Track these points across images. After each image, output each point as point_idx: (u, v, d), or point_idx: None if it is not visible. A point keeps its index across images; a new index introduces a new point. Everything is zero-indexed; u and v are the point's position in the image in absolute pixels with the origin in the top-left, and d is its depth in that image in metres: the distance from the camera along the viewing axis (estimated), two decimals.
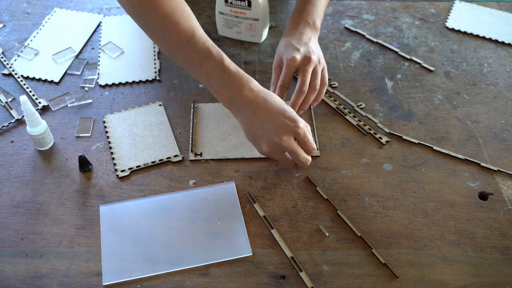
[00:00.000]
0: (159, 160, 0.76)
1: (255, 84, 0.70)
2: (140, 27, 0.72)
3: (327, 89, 0.88)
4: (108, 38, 0.98)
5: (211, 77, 0.69)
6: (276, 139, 0.67)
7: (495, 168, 0.75)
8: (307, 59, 0.77)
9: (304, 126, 0.69)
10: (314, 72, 0.78)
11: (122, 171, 0.74)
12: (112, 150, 0.77)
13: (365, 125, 0.81)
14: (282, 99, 0.78)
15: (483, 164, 0.75)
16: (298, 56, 0.78)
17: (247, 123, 0.69)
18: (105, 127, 0.81)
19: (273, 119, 0.67)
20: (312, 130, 0.80)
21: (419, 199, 0.72)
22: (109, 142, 0.78)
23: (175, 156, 0.76)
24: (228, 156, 0.77)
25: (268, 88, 0.82)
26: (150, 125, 0.81)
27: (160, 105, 0.84)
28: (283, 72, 0.79)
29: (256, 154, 0.77)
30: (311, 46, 0.80)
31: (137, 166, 0.75)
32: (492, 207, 0.71)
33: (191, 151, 0.77)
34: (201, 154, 0.77)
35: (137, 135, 0.80)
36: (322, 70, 0.80)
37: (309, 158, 0.71)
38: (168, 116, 0.83)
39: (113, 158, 0.76)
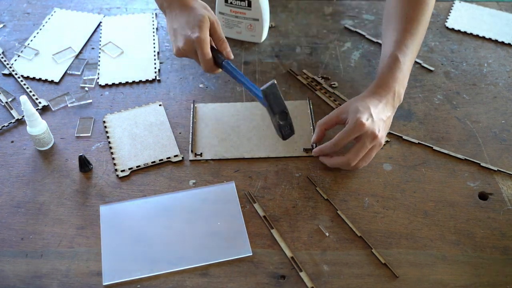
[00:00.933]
0: (159, 160, 0.76)
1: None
2: None
3: (326, 89, 0.88)
4: (108, 38, 0.98)
5: None
6: (189, 32, 0.73)
7: (495, 168, 0.75)
8: (374, 136, 0.69)
9: (202, 38, 0.72)
10: (371, 153, 0.72)
11: (122, 171, 0.74)
12: (112, 150, 0.77)
13: None
14: (321, 139, 0.75)
15: (483, 164, 0.75)
16: (368, 126, 0.69)
17: (169, 21, 0.78)
18: (105, 127, 0.81)
19: (189, 20, 0.74)
20: (312, 130, 0.80)
21: (419, 199, 0.72)
22: (109, 142, 0.78)
23: (175, 156, 0.76)
24: (228, 156, 0.77)
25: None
26: (150, 125, 0.81)
27: (160, 105, 0.84)
28: (343, 133, 0.70)
29: (256, 154, 0.77)
30: (385, 124, 0.73)
31: (137, 166, 0.75)
32: (492, 207, 0.71)
33: (191, 151, 0.77)
34: (201, 154, 0.77)
35: (137, 135, 0.80)
36: (374, 151, 0.73)
37: (207, 62, 0.74)
38: (168, 116, 0.83)
39: (113, 158, 0.76)
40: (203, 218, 0.69)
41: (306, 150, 0.77)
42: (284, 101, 0.69)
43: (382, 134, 0.71)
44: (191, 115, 0.82)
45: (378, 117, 0.71)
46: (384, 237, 0.67)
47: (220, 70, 0.77)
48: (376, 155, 0.77)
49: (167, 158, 0.76)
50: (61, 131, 0.80)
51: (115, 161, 0.76)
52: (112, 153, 0.77)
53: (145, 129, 0.81)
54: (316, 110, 0.84)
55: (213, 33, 0.76)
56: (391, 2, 0.80)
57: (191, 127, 0.80)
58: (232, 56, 0.77)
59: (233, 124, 0.81)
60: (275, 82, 0.67)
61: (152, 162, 0.76)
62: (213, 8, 0.95)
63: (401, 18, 0.78)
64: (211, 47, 0.75)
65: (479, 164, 0.76)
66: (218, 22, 0.77)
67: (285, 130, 0.71)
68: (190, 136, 0.79)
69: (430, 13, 0.79)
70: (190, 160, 0.76)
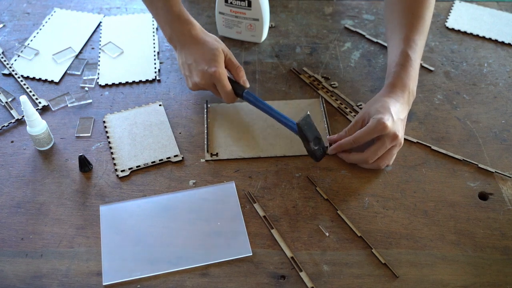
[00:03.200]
0: (159, 160, 0.76)
1: (195, 28, 0.79)
2: None
3: (327, 89, 0.88)
4: (108, 38, 0.98)
5: (159, 15, 0.81)
6: (205, 67, 0.76)
7: (493, 170, 0.75)
8: (395, 136, 0.70)
9: (220, 72, 0.75)
10: (389, 151, 0.72)
11: (122, 171, 0.74)
12: (112, 150, 0.77)
13: None
14: (342, 149, 0.75)
15: (481, 166, 0.75)
16: (390, 127, 0.69)
17: (182, 57, 0.81)
18: (105, 127, 0.81)
19: (204, 54, 0.78)
20: (327, 128, 0.81)
21: (419, 199, 0.72)
22: (109, 142, 0.78)
23: (175, 156, 0.76)
24: (244, 156, 0.76)
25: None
26: (150, 125, 0.81)
27: (160, 105, 0.84)
28: (364, 131, 0.70)
29: (272, 152, 0.77)
30: (404, 124, 0.74)
31: (137, 166, 0.75)
32: (492, 207, 0.71)
33: (207, 151, 0.77)
34: (217, 154, 0.77)
35: (137, 135, 0.80)
36: (394, 150, 0.73)
37: (228, 94, 0.77)
38: (168, 116, 0.83)
39: (113, 158, 0.76)
40: (203, 218, 0.69)
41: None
42: (317, 129, 0.72)
43: (402, 134, 0.72)
44: (205, 115, 0.82)
45: (398, 117, 0.71)
46: (384, 237, 0.67)
47: (239, 98, 0.80)
48: None
49: (167, 158, 0.76)
50: (61, 131, 0.80)
51: (115, 161, 0.76)
52: (112, 153, 0.77)
53: (145, 129, 0.81)
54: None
55: (228, 63, 0.79)
56: None
57: (205, 127, 0.80)
58: (248, 85, 0.80)
59: (247, 123, 0.81)
60: (309, 113, 0.70)
61: (152, 162, 0.75)
62: (213, 8, 0.95)
63: (407, 14, 0.78)
64: (228, 78, 0.78)
65: (477, 165, 0.76)
66: (231, 53, 0.80)
67: (318, 152, 0.74)
68: (205, 137, 0.79)
69: (433, 8, 0.81)
70: (206, 160, 0.76)
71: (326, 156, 0.76)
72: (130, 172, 0.74)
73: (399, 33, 0.78)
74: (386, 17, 0.84)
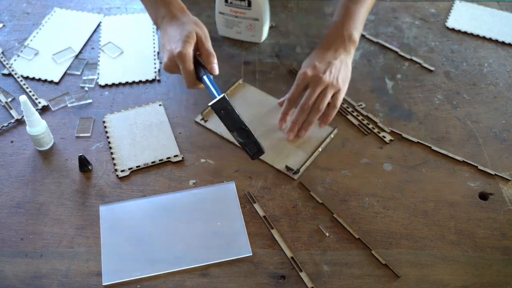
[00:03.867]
0: (159, 160, 0.76)
1: (175, 9, 0.77)
2: None
3: None
4: (108, 38, 0.98)
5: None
6: (173, 47, 0.73)
7: (493, 172, 0.75)
8: (317, 78, 0.74)
9: (183, 53, 0.71)
10: (323, 93, 0.75)
11: (122, 171, 0.74)
12: (112, 150, 0.77)
13: (368, 124, 0.81)
14: (289, 112, 0.78)
15: (480, 167, 0.75)
16: (309, 73, 0.75)
17: (160, 36, 0.80)
18: (105, 127, 0.81)
19: (175, 35, 0.74)
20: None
21: (419, 199, 0.72)
22: (109, 142, 0.78)
23: (175, 156, 0.76)
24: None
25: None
26: (150, 125, 0.81)
27: (160, 105, 0.84)
28: (293, 86, 0.77)
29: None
30: (334, 65, 0.76)
31: (137, 166, 0.75)
32: (492, 207, 0.71)
33: (201, 113, 0.81)
34: (206, 121, 0.79)
35: (137, 135, 0.80)
36: (336, 93, 0.76)
37: (188, 77, 0.73)
38: (168, 116, 0.83)
39: (113, 158, 0.76)
40: (203, 218, 0.69)
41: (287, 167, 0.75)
42: (240, 117, 0.64)
43: (333, 76, 0.76)
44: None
45: (324, 61, 0.76)
46: (384, 237, 0.67)
47: (203, 86, 0.73)
48: (376, 155, 0.77)
49: (167, 158, 0.76)
50: (61, 131, 0.80)
51: (115, 161, 0.76)
52: (112, 153, 0.77)
53: (145, 129, 0.81)
54: None
55: (201, 48, 0.74)
56: None
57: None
58: (216, 72, 0.72)
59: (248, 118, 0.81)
60: (225, 96, 0.63)
61: (152, 162, 0.75)
62: (213, 8, 0.95)
63: None
64: (197, 62, 0.73)
65: (477, 167, 0.75)
66: (207, 37, 0.75)
67: (250, 148, 0.65)
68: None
69: None
70: (195, 121, 0.80)
71: (326, 156, 0.76)
72: (130, 172, 0.74)
73: None
74: None
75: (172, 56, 0.72)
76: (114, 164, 0.75)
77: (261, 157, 0.69)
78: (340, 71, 0.77)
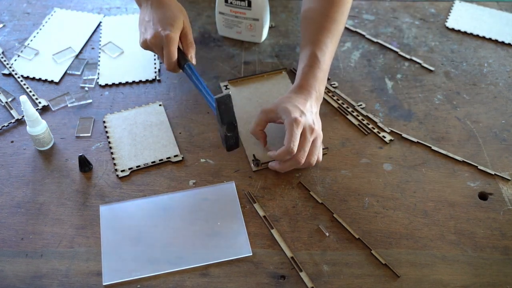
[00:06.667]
0: (159, 160, 0.76)
1: None
2: None
3: (327, 89, 0.88)
4: (108, 38, 0.98)
5: None
6: (160, 28, 0.75)
7: (493, 172, 0.75)
8: (311, 129, 0.71)
9: (171, 37, 0.73)
10: (314, 144, 0.72)
11: (122, 171, 0.74)
12: (112, 150, 0.77)
13: (368, 124, 0.81)
14: (265, 141, 0.76)
15: (480, 167, 0.75)
16: (305, 123, 0.70)
17: (143, 13, 0.80)
18: (105, 127, 0.81)
19: (163, 17, 0.76)
20: None
21: (419, 199, 0.72)
22: (109, 142, 0.78)
23: (175, 156, 0.76)
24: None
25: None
26: (150, 125, 0.81)
27: (160, 105, 0.84)
28: (293, 137, 0.69)
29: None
30: (316, 117, 0.75)
31: (137, 166, 0.75)
32: (492, 207, 0.71)
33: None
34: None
35: (137, 135, 0.80)
36: (317, 142, 0.73)
37: (171, 60, 0.75)
38: (168, 116, 0.83)
39: (113, 158, 0.76)
40: (203, 218, 0.69)
41: (254, 161, 0.75)
42: (234, 115, 0.69)
43: (318, 126, 0.73)
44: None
45: (309, 111, 0.73)
46: (384, 237, 0.67)
47: (180, 70, 0.78)
48: (376, 155, 0.77)
49: (167, 158, 0.76)
50: (61, 131, 0.80)
51: (115, 161, 0.76)
52: (112, 153, 0.77)
53: (145, 129, 0.81)
54: None
55: (183, 36, 0.78)
56: (308, 2, 0.83)
57: None
58: (194, 62, 0.78)
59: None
60: (230, 94, 0.67)
61: (152, 162, 0.76)
62: (213, 8, 0.95)
63: (320, 18, 0.81)
64: (178, 48, 0.76)
65: (477, 167, 0.75)
66: (190, 28, 0.79)
67: (230, 141, 0.71)
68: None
69: (347, 13, 0.83)
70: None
71: (325, 156, 0.76)
72: (130, 172, 0.74)
73: (310, 35, 0.80)
74: (301, 24, 0.84)
75: (159, 37, 0.75)
76: (114, 164, 0.75)
77: (242, 140, 0.77)
78: (320, 122, 0.75)
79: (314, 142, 0.72)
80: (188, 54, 0.78)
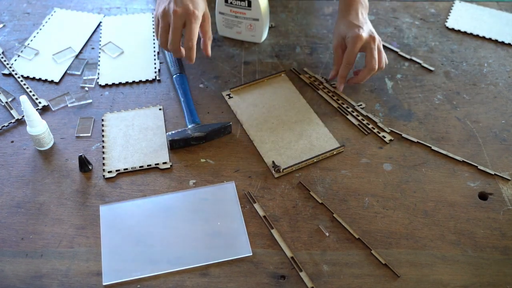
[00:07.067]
0: (147, 166, 0.75)
1: None
2: None
3: (328, 89, 0.88)
4: (108, 38, 0.98)
5: None
6: (190, 4, 0.75)
7: (493, 172, 0.75)
8: (372, 38, 0.80)
9: (198, 17, 0.74)
10: (379, 50, 0.81)
11: (109, 172, 0.74)
12: (104, 150, 0.77)
13: (368, 124, 0.81)
14: (346, 77, 0.84)
15: (480, 167, 0.75)
16: (364, 34, 0.80)
17: None
18: (103, 125, 0.81)
19: None
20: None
21: (419, 199, 0.72)
22: (103, 141, 0.78)
23: (163, 163, 0.75)
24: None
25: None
26: (146, 129, 0.81)
27: (160, 109, 0.84)
28: (348, 51, 0.81)
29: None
30: (370, 24, 0.84)
31: (124, 169, 0.74)
32: (492, 207, 0.71)
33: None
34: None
35: (131, 137, 0.79)
36: (381, 48, 0.83)
37: (188, 43, 0.75)
38: (167, 116, 0.83)
39: (103, 158, 0.76)
40: (203, 218, 0.69)
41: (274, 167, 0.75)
42: (188, 140, 0.77)
43: (375, 33, 0.82)
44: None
45: (364, 22, 0.82)
46: (384, 237, 0.67)
47: (184, 55, 0.78)
48: (376, 155, 0.77)
49: (155, 164, 0.75)
50: (61, 131, 0.80)
51: (104, 161, 0.75)
52: (103, 152, 0.77)
53: (140, 132, 0.80)
54: (317, 109, 0.84)
55: (202, 26, 0.79)
56: None
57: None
58: (210, 53, 0.81)
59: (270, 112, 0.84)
60: (179, 139, 0.76)
61: (140, 167, 0.75)
62: (213, 9, 0.95)
63: None
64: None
65: (477, 167, 0.75)
66: (210, 20, 0.80)
67: (177, 144, 0.77)
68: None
69: None
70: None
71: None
72: (117, 174, 0.74)
73: None
74: None
75: (186, 11, 0.74)
76: (103, 164, 0.75)
77: (256, 147, 0.78)
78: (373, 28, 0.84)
79: (378, 48, 0.81)
80: (206, 45, 0.81)
